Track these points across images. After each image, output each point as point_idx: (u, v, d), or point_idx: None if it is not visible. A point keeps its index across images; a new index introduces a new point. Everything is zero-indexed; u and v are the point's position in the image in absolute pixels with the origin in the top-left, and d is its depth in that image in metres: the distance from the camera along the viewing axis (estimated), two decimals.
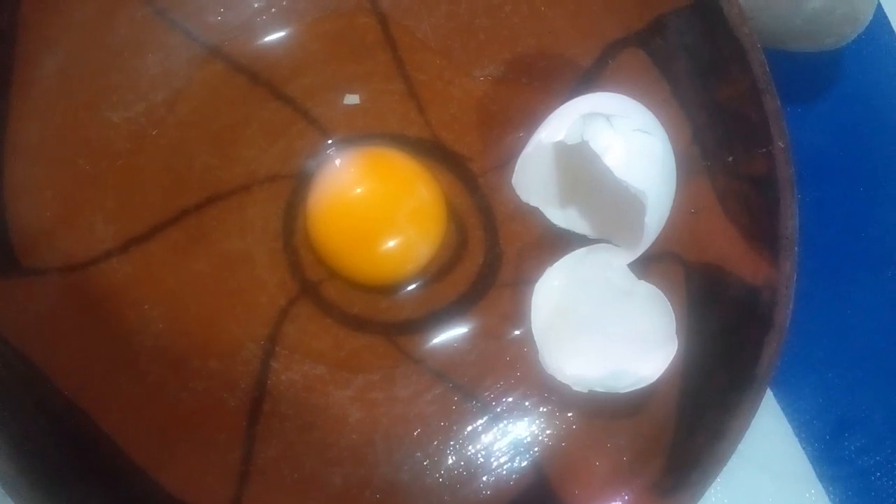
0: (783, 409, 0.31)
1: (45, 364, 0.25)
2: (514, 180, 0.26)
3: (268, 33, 0.27)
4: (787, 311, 0.26)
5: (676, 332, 0.26)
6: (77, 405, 0.25)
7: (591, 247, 0.27)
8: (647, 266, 0.27)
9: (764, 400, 0.30)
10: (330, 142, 0.28)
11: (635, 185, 0.23)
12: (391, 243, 0.27)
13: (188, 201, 0.27)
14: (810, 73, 0.33)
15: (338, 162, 0.27)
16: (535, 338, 0.27)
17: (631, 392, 0.26)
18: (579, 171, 0.27)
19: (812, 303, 0.31)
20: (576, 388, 0.26)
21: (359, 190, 0.27)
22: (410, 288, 0.28)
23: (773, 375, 0.26)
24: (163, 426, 0.26)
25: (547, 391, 0.27)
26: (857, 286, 0.32)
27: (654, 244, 0.27)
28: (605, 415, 0.27)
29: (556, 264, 0.27)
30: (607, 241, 0.27)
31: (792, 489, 0.30)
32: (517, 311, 0.28)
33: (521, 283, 0.28)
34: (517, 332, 0.28)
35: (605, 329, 0.26)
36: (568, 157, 0.26)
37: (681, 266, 0.28)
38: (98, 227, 0.26)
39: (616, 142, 0.23)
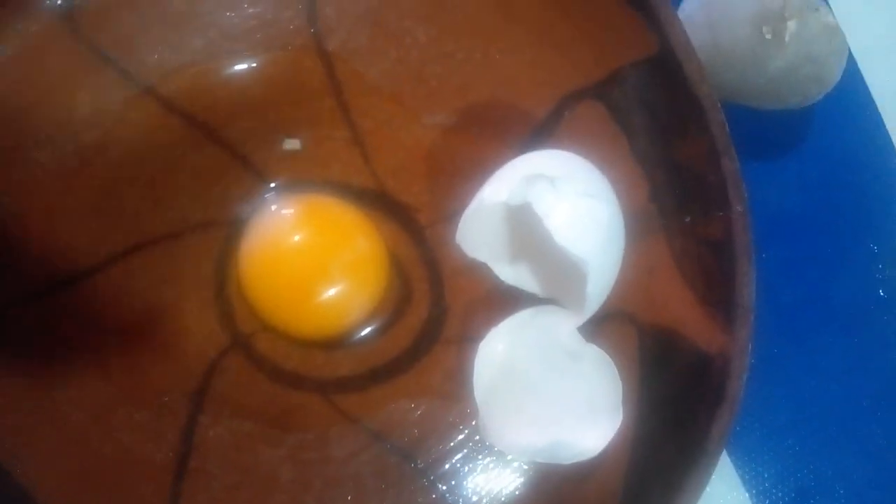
0: (741, 475, 0.30)
1: None
2: (458, 237, 0.25)
3: (206, 75, 0.26)
4: (741, 384, 0.25)
5: (624, 402, 0.25)
6: None
7: (538, 308, 0.26)
8: (599, 326, 0.26)
9: (721, 466, 0.29)
10: (270, 188, 0.27)
11: (576, 253, 0.22)
12: (327, 295, 0.26)
13: (116, 246, 0.26)
14: (779, 130, 0.32)
15: (273, 208, 0.26)
16: (477, 403, 0.25)
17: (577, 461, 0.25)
18: (526, 229, 0.25)
19: (773, 366, 0.30)
20: (517, 457, 0.25)
21: (294, 238, 0.26)
22: (349, 343, 0.27)
23: (723, 449, 0.24)
24: (83, 478, 0.25)
25: (490, 455, 0.26)
26: (821, 350, 0.31)
27: (606, 303, 0.26)
28: (551, 483, 0.26)
29: (500, 325, 0.26)
30: (556, 302, 0.26)
31: None
32: (462, 370, 0.26)
33: (467, 340, 0.27)
34: (461, 392, 0.27)
35: (549, 395, 0.25)
36: (514, 215, 0.25)
37: (634, 327, 0.27)
38: (22, 270, 0.25)
39: (559, 206, 0.22)
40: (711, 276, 0.26)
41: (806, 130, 0.32)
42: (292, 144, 0.27)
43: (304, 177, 0.27)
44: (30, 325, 0.25)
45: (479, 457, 0.26)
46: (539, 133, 0.27)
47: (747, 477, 0.30)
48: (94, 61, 0.25)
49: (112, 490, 0.25)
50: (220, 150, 0.26)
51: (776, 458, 0.30)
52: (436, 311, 0.27)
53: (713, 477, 0.24)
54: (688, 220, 0.26)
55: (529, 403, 0.25)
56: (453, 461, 0.26)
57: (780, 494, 0.30)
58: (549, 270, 0.26)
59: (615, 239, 0.23)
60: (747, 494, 0.30)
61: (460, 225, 0.24)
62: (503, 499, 0.26)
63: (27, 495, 0.24)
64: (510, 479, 0.26)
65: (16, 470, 0.24)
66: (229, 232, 0.27)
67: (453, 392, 0.27)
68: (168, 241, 0.26)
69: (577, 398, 0.25)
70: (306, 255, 0.26)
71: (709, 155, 0.25)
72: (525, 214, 0.24)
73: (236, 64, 0.26)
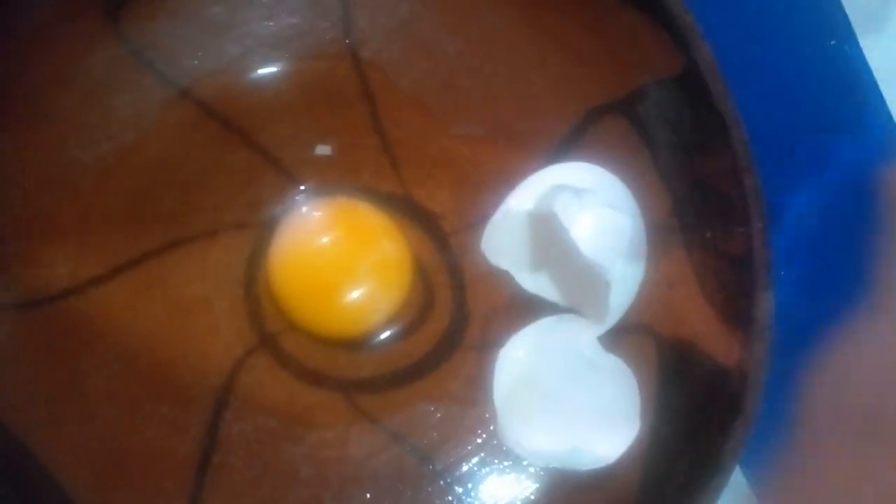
0: (755, 492, 0.30)
1: None
2: (483, 245, 0.26)
3: (244, 80, 0.27)
4: (757, 398, 0.25)
5: (641, 412, 0.25)
6: (22, 443, 0.25)
7: (559, 316, 0.27)
8: (618, 337, 0.27)
9: (735, 481, 0.30)
10: (300, 191, 0.28)
11: (600, 263, 0.22)
12: (352, 295, 0.27)
13: (151, 244, 0.26)
14: (802, 144, 0.33)
15: (303, 211, 0.27)
16: (496, 408, 0.26)
17: (593, 468, 0.25)
18: (550, 239, 0.26)
19: (789, 384, 0.30)
20: (533, 462, 0.26)
21: (321, 240, 0.27)
22: (372, 345, 0.28)
23: (737, 462, 0.25)
24: (109, 470, 0.26)
25: (506, 460, 0.27)
26: None
27: (626, 315, 0.26)
28: (566, 490, 0.26)
29: (521, 332, 0.26)
30: (577, 311, 0.27)
31: None
32: (482, 375, 0.27)
33: (488, 347, 0.27)
34: (480, 397, 0.27)
35: (567, 403, 0.26)
36: (539, 224, 0.26)
37: (653, 339, 0.27)
38: (58, 266, 0.26)
39: (583, 217, 0.23)
40: (731, 291, 0.26)
41: (828, 154, 0.33)
42: (324, 150, 0.27)
43: (334, 181, 0.28)
44: (64, 320, 0.26)
45: (495, 461, 0.27)
46: (564, 146, 0.28)
47: (761, 493, 0.30)
48: (136, 64, 0.26)
49: (137, 480, 0.26)
50: (255, 153, 0.27)
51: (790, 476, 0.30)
52: (458, 317, 0.28)
53: (727, 493, 0.25)
54: (708, 235, 0.27)
55: (547, 410, 0.26)
56: (470, 464, 0.27)
57: None
58: (571, 280, 0.27)
59: (637, 251, 0.24)
60: None
61: (485, 233, 0.25)
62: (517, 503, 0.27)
63: (56, 484, 0.25)
64: (525, 485, 0.27)
65: (48, 459, 0.25)
66: (260, 233, 0.27)
67: (472, 397, 0.27)
68: (201, 241, 0.27)
69: (594, 407, 0.25)
70: (333, 257, 0.27)
71: (731, 171, 0.25)
72: (549, 224, 0.24)
73: (272, 71, 0.27)
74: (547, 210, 0.23)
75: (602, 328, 0.25)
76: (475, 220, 0.28)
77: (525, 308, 0.27)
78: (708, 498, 0.24)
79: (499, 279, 0.27)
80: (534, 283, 0.27)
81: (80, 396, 0.26)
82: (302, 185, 0.28)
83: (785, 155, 0.32)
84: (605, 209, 0.23)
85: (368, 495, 0.26)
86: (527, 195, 0.24)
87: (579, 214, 0.23)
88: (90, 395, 0.26)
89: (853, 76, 0.32)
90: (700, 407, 0.26)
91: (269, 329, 0.27)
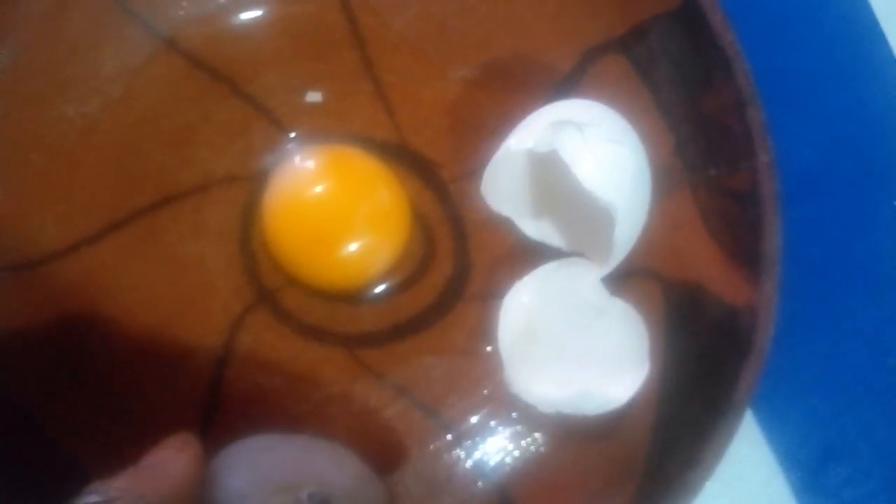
0: (766, 435, 0.30)
1: None
2: (483, 188, 0.25)
3: (231, 29, 0.26)
4: (768, 335, 0.24)
5: (651, 353, 0.25)
6: (21, 406, 0.24)
7: (563, 260, 0.26)
8: (623, 282, 0.26)
9: (746, 425, 0.29)
10: (291, 139, 0.27)
11: (604, 198, 0.22)
12: (350, 247, 0.26)
13: (142, 201, 0.26)
14: (805, 83, 0.32)
15: (296, 160, 0.26)
16: (502, 355, 0.25)
17: (603, 414, 0.24)
18: (551, 180, 0.25)
19: (800, 325, 0.30)
20: (542, 409, 0.25)
21: (316, 189, 0.26)
22: (373, 298, 0.27)
23: (750, 402, 0.24)
24: (110, 431, 0.25)
25: (514, 411, 0.26)
26: (848, 310, 0.30)
27: (631, 259, 0.26)
28: (576, 437, 0.26)
29: (525, 278, 0.26)
30: (580, 255, 0.26)
31: None
32: (486, 326, 0.27)
33: (491, 297, 0.27)
34: (485, 348, 0.27)
35: (574, 348, 0.25)
36: (540, 165, 0.25)
37: (659, 283, 0.27)
38: (49, 226, 0.25)
39: (586, 152, 0.22)
40: (737, 228, 0.26)
41: (831, 90, 0.32)
42: (314, 97, 0.27)
43: (327, 129, 0.27)
44: (58, 281, 0.26)
45: (503, 413, 0.26)
46: (562, 87, 0.27)
47: (773, 437, 0.30)
48: (121, 16, 0.26)
49: (138, 440, 0.24)
50: (244, 102, 0.27)
51: (802, 419, 0.30)
52: (459, 267, 0.27)
53: (738, 437, 0.24)
54: (713, 173, 0.26)
55: (555, 355, 0.25)
56: (477, 417, 0.26)
57: (805, 454, 0.30)
58: (574, 222, 0.26)
59: (642, 186, 0.23)
60: (773, 455, 0.29)
61: (485, 175, 0.24)
62: (527, 455, 0.26)
63: (55, 445, 0.25)
64: (534, 437, 0.26)
65: (47, 421, 0.25)
66: (253, 186, 0.27)
67: (476, 349, 0.27)
68: (193, 196, 0.26)
69: (602, 350, 0.25)
70: (329, 206, 0.26)
71: (734, 105, 0.25)
72: (550, 163, 0.24)
73: (258, 15, 0.27)
74: (548, 147, 0.23)
75: (607, 268, 0.24)
76: (474, 168, 0.27)
77: (528, 255, 0.27)
78: (721, 441, 0.24)
79: (501, 227, 0.27)
80: (536, 228, 0.27)
81: (79, 359, 0.25)
82: (292, 132, 0.27)
83: (790, 94, 0.31)
84: (607, 144, 0.22)
85: (374, 451, 0.26)
86: (527, 133, 0.23)
87: (582, 150, 0.22)
88: (89, 358, 0.25)
89: (855, 13, 0.32)
90: (710, 348, 0.25)
91: (267, 285, 0.27)
